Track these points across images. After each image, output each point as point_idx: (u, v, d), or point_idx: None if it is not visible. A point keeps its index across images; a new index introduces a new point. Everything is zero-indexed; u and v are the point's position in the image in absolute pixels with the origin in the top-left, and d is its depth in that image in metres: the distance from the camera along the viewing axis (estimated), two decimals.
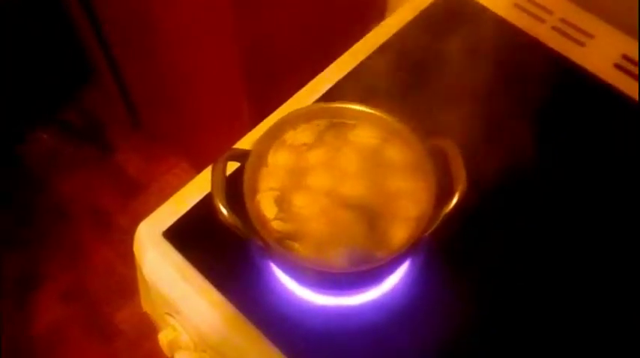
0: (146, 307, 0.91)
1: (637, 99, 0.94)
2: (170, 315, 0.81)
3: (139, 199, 1.98)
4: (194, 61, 1.44)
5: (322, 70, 0.97)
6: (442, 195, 0.69)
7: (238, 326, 0.75)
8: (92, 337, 1.76)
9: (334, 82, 0.94)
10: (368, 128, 0.78)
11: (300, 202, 0.72)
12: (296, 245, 0.70)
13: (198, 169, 0.87)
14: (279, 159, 0.76)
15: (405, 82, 0.89)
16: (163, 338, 0.82)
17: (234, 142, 0.88)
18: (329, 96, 0.92)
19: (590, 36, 1.01)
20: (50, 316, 1.79)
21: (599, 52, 1.00)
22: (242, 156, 0.73)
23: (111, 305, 1.80)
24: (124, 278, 1.82)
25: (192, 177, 0.86)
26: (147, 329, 1.72)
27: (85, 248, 1.90)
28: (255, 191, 0.73)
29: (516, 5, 1.05)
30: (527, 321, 0.77)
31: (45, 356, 1.73)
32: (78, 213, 1.96)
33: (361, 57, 0.98)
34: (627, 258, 0.81)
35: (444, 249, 0.78)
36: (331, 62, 0.98)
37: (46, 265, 1.86)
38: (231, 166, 0.72)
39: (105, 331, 1.77)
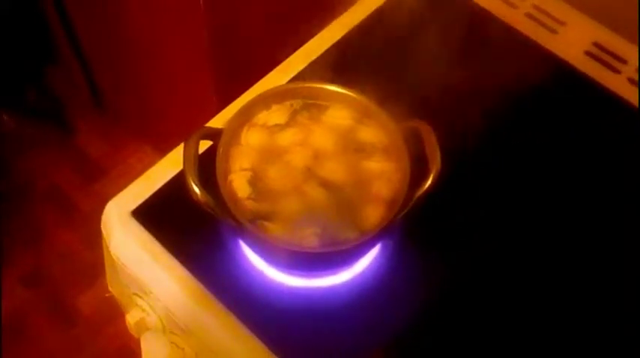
0: (113, 288, 0.89)
1: (606, 86, 0.95)
2: (138, 296, 0.80)
3: (101, 182, 1.95)
4: (160, 43, 1.42)
5: (293, 53, 0.96)
6: (415, 176, 0.69)
7: (208, 307, 0.74)
8: (54, 321, 1.73)
9: (307, 63, 0.93)
10: (341, 109, 0.77)
11: (273, 182, 0.72)
12: (268, 225, 0.69)
13: (162, 153, 0.85)
14: (251, 139, 0.75)
15: (379, 63, 0.88)
16: (131, 319, 0.81)
17: (201, 126, 0.86)
18: (301, 77, 0.91)
19: (562, 23, 1.02)
20: (11, 301, 1.75)
21: (570, 39, 1.00)
22: (214, 134, 0.72)
23: (73, 289, 1.78)
24: (86, 262, 1.79)
25: (155, 161, 0.84)
26: (109, 313, 1.70)
27: (46, 231, 1.87)
28: (227, 170, 0.72)
29: None
30: (496, 301, 0.78)
31: (6, 340, 1.69)
32: (39, 195, 1.93)
33: (335, 38, 0.97)
34: (595, 240, 0.83)
35: (416, 230, 0.77)
36: (302, 45, 0.97)
37: (6, 249, 1.82)
38: (202, 146, 0.71)
39: (67, 315, 1.74)
